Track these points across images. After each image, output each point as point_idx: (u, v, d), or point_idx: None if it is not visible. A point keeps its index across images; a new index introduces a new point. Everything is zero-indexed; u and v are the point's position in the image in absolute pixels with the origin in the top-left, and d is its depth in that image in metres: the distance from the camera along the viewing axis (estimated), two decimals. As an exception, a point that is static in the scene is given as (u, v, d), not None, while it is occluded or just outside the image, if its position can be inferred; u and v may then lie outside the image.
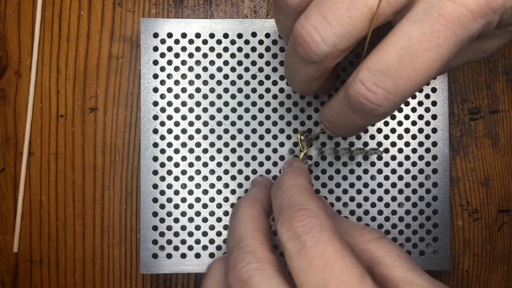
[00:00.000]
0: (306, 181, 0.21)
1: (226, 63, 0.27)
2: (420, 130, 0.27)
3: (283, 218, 0.18)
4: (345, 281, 0.15)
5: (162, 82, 0.27)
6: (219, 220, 0.27)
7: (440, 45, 0.16)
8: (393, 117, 0.27)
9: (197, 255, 0.27)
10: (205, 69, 0.27)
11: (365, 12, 0.16)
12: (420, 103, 0.27)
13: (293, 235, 0.17)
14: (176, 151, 0.27)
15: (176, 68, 0.27)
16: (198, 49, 0.27)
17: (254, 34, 0.27)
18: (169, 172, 0.27)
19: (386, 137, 0.27)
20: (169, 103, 0.27)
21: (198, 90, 0.27)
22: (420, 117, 0.27)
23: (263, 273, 0.17)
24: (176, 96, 0.27)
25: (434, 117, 0.27)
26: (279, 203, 0.19)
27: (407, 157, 0.27)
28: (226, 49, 0.27)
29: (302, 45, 0.17)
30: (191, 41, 0.27)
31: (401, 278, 0.18)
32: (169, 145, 0.27)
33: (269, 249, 0.18)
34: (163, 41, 0.27)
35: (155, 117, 0.27)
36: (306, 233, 0.17)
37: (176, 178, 0.27)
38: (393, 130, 0.27)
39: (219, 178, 0.27)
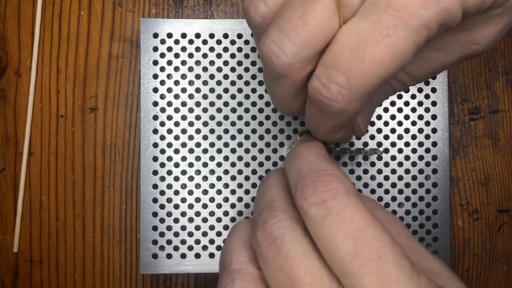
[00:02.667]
0: (323, 150, 0.20)
1: (226, 63, 0.27)
2: (420, 130, 0.27)
3: (304, 184, 0.17)
4: (379, 247, 0.15)
5: (162, 82, 0.27)
6: (219, 220, 0.27)
7: (390, 36, 0.15)
8: (393, 117, 0.27)
9: (197, 255, 0.27)
10: (205, 69, 0.27)
11: (318, 17, 0.16)
12: (420, 103, 0.27)
13: (317, 201, 0.16)
14: (176, 151, 0.27)
15: (176, 68, 0.27)
16: (198, 49, 0.27)
17: (254, 34, 0.27)
18: (169, 172, 0.27)
19: (386, 137, 0.27)
20: (169, 103, 0.27)
21: (198, 90, 0.27)
22: (420, 117, 0.27)
23: (294, 231, 0.16)
24: (176, 96, 0.27)
25: (434, 117, 0.27)
26: (297, 170, 0.18)
27: (407, 157, 0.27)
28: (226, 49, 0.27)
29: (265, 61, 0.17)
30: (191, 41, 0.27)
31: (406, 246, 0.18)
32: (169, 145, 0.27)
33: (298, 212, 0.18)
34: (163, 41, 0.27)
35: (155, 117, 0.27)
36: (332, 198, 0.16)
37: (176, 178, 0.27)
38: (393, 130, 0.27)
39: (219, 178, 0.27)
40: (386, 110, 0.27)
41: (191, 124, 0.27)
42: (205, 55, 0.27)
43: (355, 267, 0.15)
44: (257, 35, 0.19)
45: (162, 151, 0.27)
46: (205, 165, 0.27)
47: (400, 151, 0.27)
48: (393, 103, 0.28)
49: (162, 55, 0.27)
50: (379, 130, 0.27)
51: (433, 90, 0.28)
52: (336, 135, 0.21)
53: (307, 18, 0.16)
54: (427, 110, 0.27)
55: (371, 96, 0.17)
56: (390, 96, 0.23)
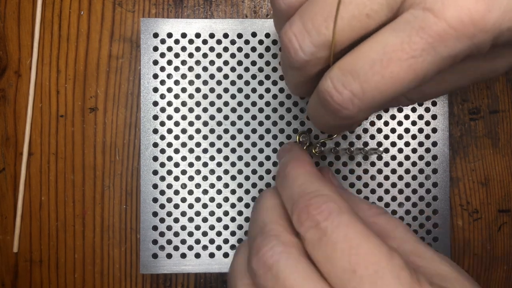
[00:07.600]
0: (311, 166, 0.20)
1: (226, 63, 0.27)
2: (420, 130, 0.27)
3: (298, 209, 0.17)
4: (374, 261, 0.15)
5: (162, 82, 0.27)
6: (219, 220, 0.27)
7: (415, 58, 0.15)
8: (393, 117, 0.27)
9: (197, 255, 0.27)
10: (205, 69, 0.27)
11: (342, 24, 0.16)
12: (420, 103, 0.27)
13: (311, 224, 0.16)
14: (176, 151, 0.27)
15: (176, 68, 0.27)
16: (198, 49, 0.27)
17: (254, 34, 0.27)
18: (169, 172, 0.27)
19: (386, 137, 0.27)
20: (169, 103, 0.27)
21: (198, 90, 0.27)
22: (420, 117, 0.27)
23: (288, 256, 0.16)
24: (176, 96, 0.27)
25: (434, 117, 0.27)
26: (290, 194, 0.19)
27: (407, 157, 0.27)
28: (226, 49, 0.27)
29: (284, 50, 0.18)
30: (191, 41, 0.27)
31: (411, 251, 0.18)
32: (169, 145, 0.27)
33: (294, 234, 0.18)
34: (163, 41, 0.27)
35: (155, 117, 0.27)
36: (325, 219, 0.16)
37: (176, 178, 0.27)
38: (393, 130, 0.27)
39: (219, 178, 0.27)
40: (386, 110, 0.27)
41: (191, 124, 0.27)
42: (205, 55, 0.27)
43: (353, 284, 0.15)
44: (277, 18, 0.19)
45: (162, 151, 0.27)
46: (205, 165, 0.27)
47: (400, 151, 0.27)
48: (393, 103, 0.28)
49: (162, 55, 0.27)
50: (379, 130, 0.27)
51: (433, 90, 0.27)
52: (335, 131, 0.21)
53: (331, 23, 0.16)
54: (427, 110, 0.27)
55: (379, 108, 0.17)
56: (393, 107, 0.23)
